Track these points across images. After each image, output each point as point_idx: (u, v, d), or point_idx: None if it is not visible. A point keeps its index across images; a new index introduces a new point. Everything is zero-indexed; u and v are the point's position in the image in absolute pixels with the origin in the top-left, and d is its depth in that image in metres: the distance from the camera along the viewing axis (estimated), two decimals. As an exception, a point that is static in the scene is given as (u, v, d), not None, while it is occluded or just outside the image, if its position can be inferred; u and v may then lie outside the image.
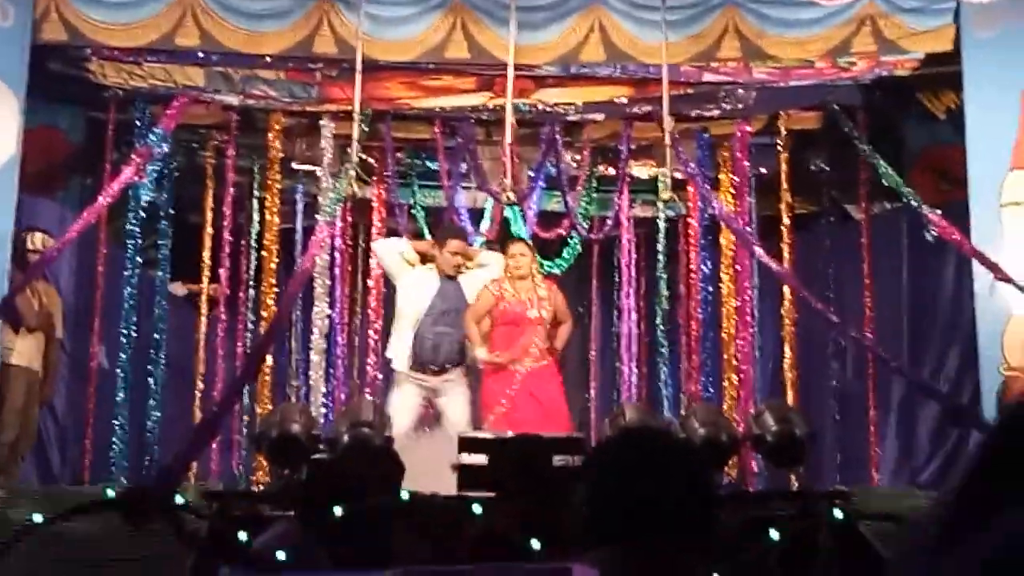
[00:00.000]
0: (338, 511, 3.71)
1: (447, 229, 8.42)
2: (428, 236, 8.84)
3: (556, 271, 9.75)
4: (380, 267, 8.65)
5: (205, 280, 9.34)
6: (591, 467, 2.24)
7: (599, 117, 8.99)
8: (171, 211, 9.10)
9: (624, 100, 8.73)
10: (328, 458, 5.79)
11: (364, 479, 4.18)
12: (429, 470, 6.22)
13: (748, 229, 8.84)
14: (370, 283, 9.35)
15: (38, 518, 4.23)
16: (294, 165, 9.29)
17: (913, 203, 7.90)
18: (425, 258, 7.90)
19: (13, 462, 7.43)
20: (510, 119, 7.66)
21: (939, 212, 7.76)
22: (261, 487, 7.74)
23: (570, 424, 7.78)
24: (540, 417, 7.28)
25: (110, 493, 5.04)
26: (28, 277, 7.46)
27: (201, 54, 8.17)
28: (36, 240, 7.76)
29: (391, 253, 8.03)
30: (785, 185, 9.10)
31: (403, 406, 7.33)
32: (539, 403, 7.50)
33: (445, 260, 7.69)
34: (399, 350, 7.72)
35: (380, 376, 8.86)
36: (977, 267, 7.50)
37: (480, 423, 7.34)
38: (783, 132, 9.09)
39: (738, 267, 8.94)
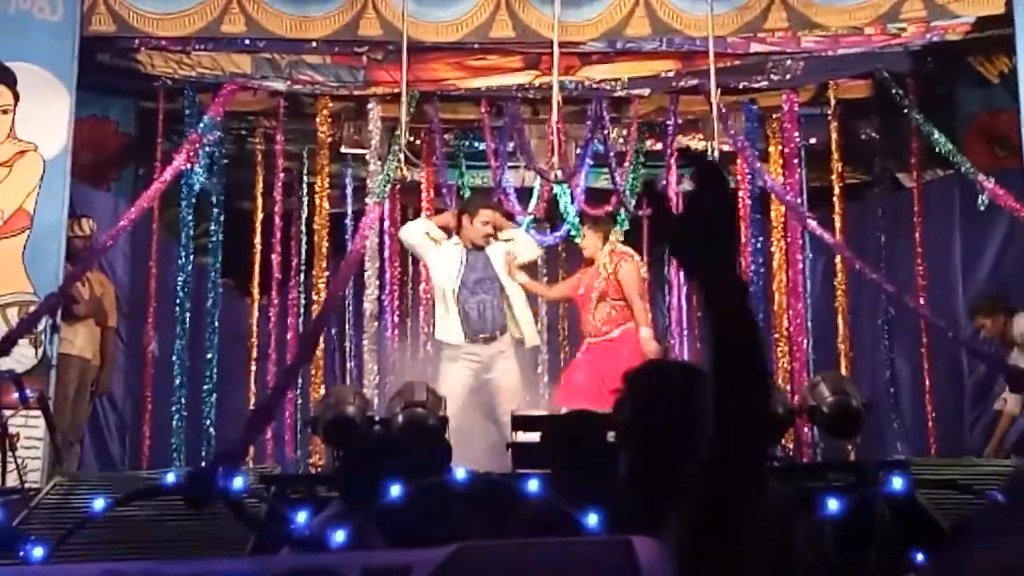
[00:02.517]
0: (392, 491, 3.74)
1: (476, 198, 8.50)
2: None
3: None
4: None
5: (257, 267, 9.42)
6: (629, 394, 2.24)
7: (645, 92, 8.92)
8: (222, 198, 9.16)
9: (670, 74, 8.66)
10: (375, 438, 5.84)
11: (414, 458, 4.21)
12: (486, 447, 6.27)
13: (798, 201, 8.77)
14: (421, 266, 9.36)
15: (100, 503, 4.29)
16: (343, 149, 9.29)
17: (967, 170, 7.80)
18: (450, 232, 7.85)
19: (65, 450, 7.40)
20: (556, 97, 7.65)
21: (992, 179, 7.66)
22: (318, 470, 7.79)
23: None
24: (597, 392, 7.30)
25: (170, 478, 5.11)
26: (83, 267, 7.53)
27: (247, 41, 8.21)
28: (83, 226, 7.83)
29: (416, 234, 7.93)
30: (835, 155, 9.02)
31: (455, 383, 7.27)
32: (600, 378, 7.54)
33: (475, 230, 7.64)
34: (450, 325, 7.63)
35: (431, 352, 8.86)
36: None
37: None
38: (832, 102, 8.98)
39: (788, 239, 8.87)
